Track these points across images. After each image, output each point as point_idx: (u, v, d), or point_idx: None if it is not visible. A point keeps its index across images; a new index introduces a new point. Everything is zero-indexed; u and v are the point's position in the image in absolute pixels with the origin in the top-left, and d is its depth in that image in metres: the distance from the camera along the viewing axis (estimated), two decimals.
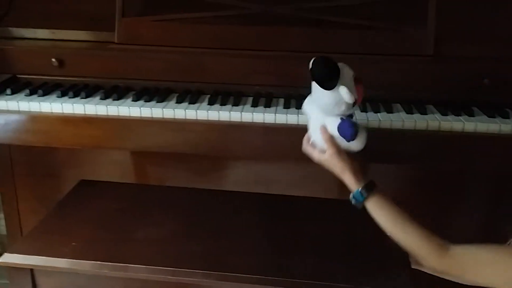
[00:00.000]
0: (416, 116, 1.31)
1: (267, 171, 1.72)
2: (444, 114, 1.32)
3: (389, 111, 1.34)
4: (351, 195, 1.09)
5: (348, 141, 1.10)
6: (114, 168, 1.79)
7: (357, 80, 1.08)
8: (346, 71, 1.08)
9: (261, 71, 1.46)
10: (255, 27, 1.50)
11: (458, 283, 1.15)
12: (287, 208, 1.44)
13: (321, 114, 1.12)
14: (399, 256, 1.16)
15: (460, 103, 1.37)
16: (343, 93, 1.05)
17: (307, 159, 1.16)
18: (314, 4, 1.50)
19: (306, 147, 1.16)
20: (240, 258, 1.20)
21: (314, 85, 1.09)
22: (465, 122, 1.28)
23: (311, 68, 1.06)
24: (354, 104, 1.08)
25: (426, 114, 1.32)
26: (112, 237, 1.28)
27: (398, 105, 1.38)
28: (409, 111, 1.34)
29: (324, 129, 1.11)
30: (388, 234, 1.07)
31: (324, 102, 1.09)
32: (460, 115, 1.32)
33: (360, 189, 1.07)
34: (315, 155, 1.14)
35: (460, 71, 1.41)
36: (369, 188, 1.07)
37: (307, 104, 1.18)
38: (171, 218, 1.37)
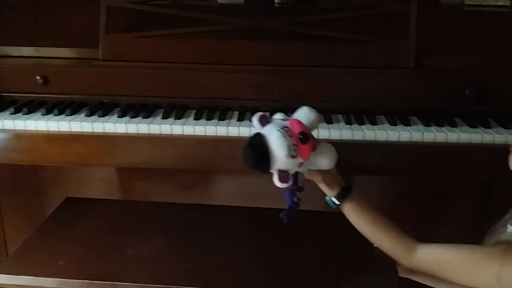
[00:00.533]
0: (400, 127, 1.33)
1: (254, 184, 1.73)
2: (427, 125, 1.35)
3: (373, 123, 1.36)
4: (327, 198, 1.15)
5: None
6: (100, 185, 1.78)
7: (303, 139, 1.03)
8: (282, 146, 1.00)
9: (247, 85, 1.47)
10: (241, 42, 1.50)
11: None
12: (276, 221, 1.44)
13: None
14: (387, 265, 1.18)
15: (442, 114, 1.40)
16: (274, 180, 1.04)
17: None
18: (299, 19, 1.51)
19: None
20: (231, 272, 1.20)
21: None
22: (448, 133, 1.30)
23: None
24: (301, 164, 1.06)
25: (410, 125, 1.35)
26: (100, 255, 1.27)
27: (382, 117, 1.40)
28: (393, 123, 1.35)
29: None
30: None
31: None
32: (443, 126, 1.34)
33: (331, 197, 1.13)
34: None
35: (441, 82, 1.44)
36: (342, 195, 1.12)
37: None
38: (159, 235, 1.36)
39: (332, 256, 1.28)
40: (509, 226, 1.00)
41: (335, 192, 1.12)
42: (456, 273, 0.99)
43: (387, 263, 1.17)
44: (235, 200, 1.72)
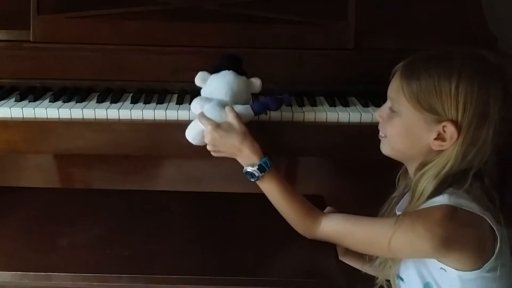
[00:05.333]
0: (339, 108, 1.34)
1: (197, 168, 1.71)
2: (365, 105, 1.36)
3: (313, 104, 1.36)
4: (253, 168, 1.11)
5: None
6: (36, 172, 1.70)
7: None
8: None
9: (187, 67, 1.43)
10: (179, 23, 1.47)
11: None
12: (220, 205, 1.42)
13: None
14: (327, 248, 1.18)
15: (381, 94, 1.41)
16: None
17: None
18: (238, 0, 1.49)
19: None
20: (172, 259, 1.17)
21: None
22: None
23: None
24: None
25: (348, 106, 1.35)
26: (34, 245, 1.21)
27: (322, 98, 1.41)
28: (332, 104, 1.36)
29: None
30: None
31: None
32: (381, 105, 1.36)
33: (252, 168, 1.10)
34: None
35: (380, 63, 1.44)
36: (263, 167, 1.10)
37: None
38: (98, 223, 1.31)
39: (272, 238, 1.28)
40: (397, 212, 1.11)
41: (256, 162, 1.10)
42: (355, 244, 1.08)
43: (327, 247, 1.17)
44: (178, 185, 1.69)
